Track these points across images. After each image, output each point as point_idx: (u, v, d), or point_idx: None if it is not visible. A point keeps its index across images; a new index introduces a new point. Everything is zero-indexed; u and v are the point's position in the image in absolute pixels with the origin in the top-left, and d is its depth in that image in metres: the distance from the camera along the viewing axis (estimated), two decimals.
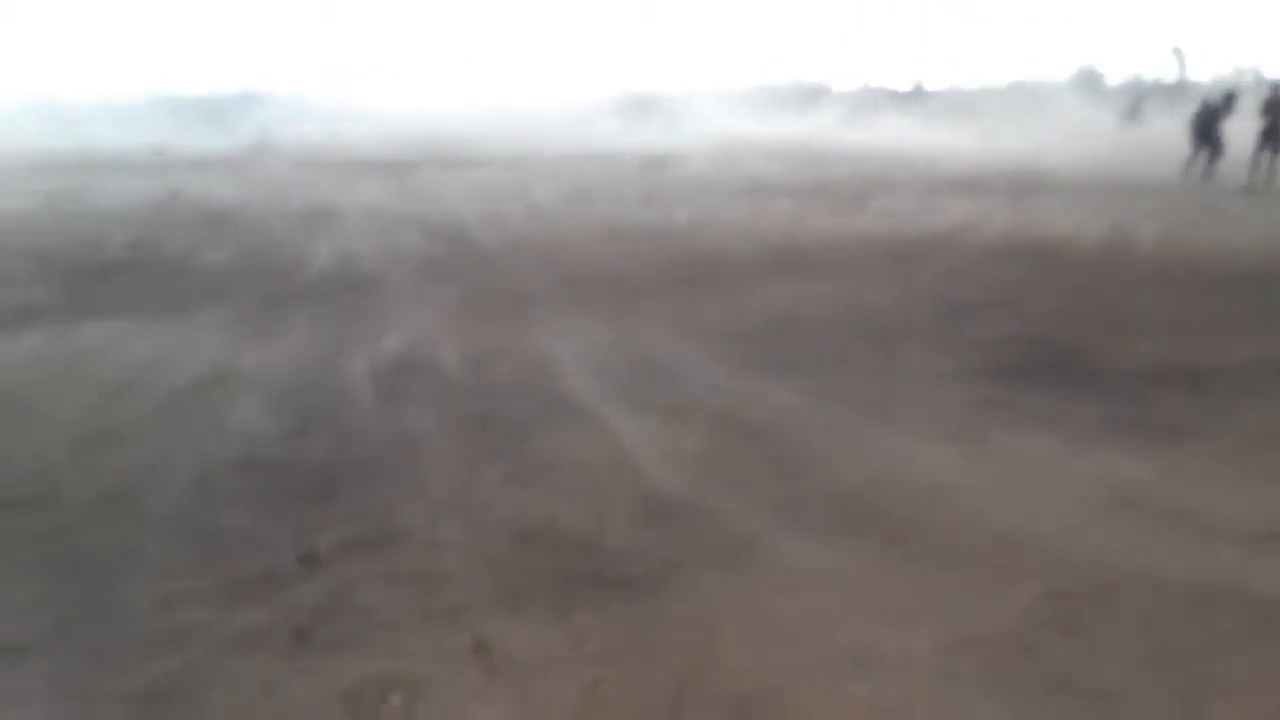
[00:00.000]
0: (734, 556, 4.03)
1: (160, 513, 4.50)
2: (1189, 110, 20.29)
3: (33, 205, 16.41)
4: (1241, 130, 18.37)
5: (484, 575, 3.90)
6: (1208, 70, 61.06)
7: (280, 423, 5.68)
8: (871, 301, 8.63)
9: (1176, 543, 4.08)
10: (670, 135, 37.04)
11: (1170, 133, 25.65)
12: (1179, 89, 50.44)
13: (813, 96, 55.82)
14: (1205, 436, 5.29)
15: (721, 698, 3.10)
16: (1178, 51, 69.24)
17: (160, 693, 3.17)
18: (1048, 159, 23.59)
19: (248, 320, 8.22)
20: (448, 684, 3.19)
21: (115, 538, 4.26)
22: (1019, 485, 4.69)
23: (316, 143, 33.98)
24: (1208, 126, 18.61)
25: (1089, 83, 58.42)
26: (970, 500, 4.52)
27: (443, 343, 7.37)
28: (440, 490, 4.70)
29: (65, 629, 3.55)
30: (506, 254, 11.39)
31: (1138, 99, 40.73)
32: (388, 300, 8.99)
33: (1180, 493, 4.57)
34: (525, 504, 4.54)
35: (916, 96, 55.65)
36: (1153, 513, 4.37)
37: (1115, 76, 61.74)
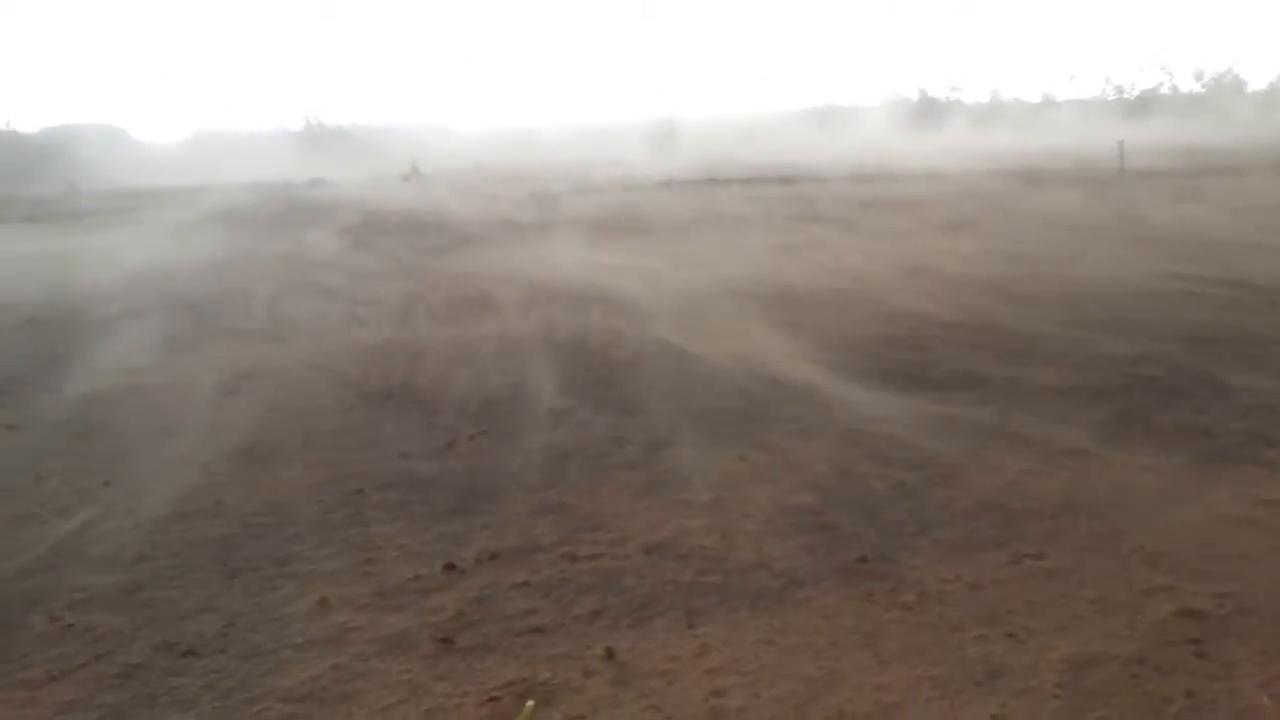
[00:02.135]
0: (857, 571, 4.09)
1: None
2: None
3: None
4: None
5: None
6: None
7: None
8: None
9: None
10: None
11: None
12: None
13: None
14: None
15: (844, 713, 3.16)
16: None
17: (313, 693, 3.42)
18: None
19: None
20: (579, 690, 3.35)
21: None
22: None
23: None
24: None
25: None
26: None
27: None
28: None
29: (227, 632, 3.86)
30: None
31: None
32: None
33: None
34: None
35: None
36: None
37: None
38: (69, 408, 7.16)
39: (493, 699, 3.31)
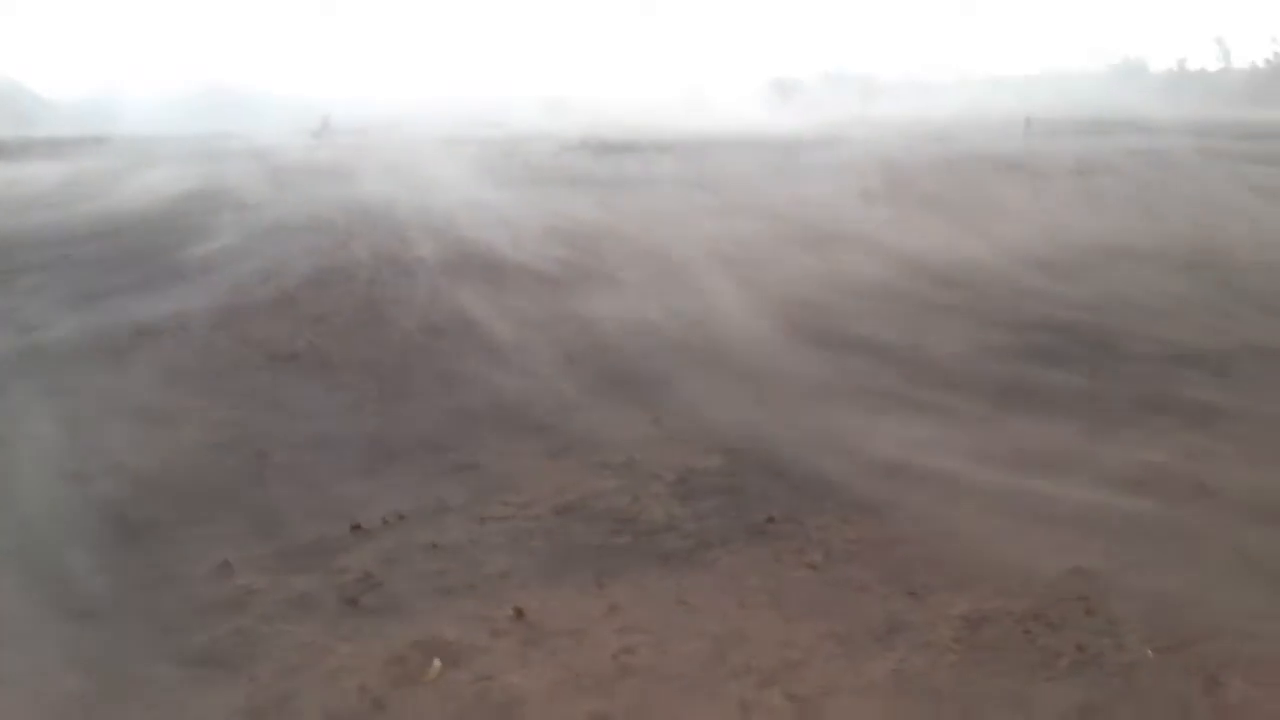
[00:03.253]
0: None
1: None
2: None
3: None
4: None
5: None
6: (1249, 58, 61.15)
7: None
8: None
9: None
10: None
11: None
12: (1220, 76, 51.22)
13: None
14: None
15: (749, 669, 3.22)
16: (1219, 40, 68.79)
17: (214, 656, 3.35)
18: None
19: None
20: (487, 650, 3.34)
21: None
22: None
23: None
24: None
25: (1133, 72, 58.28)
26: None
27: None
28: None
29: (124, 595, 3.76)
30: None
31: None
32: None
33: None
34: None
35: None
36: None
37: (1158, 65, 61.87)
38: None
39: (399, 660, 3.29)
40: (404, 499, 4.52)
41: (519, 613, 3.54)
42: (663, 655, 3.29)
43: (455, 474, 4.82)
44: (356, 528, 4.24)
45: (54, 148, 26.29)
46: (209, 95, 49.38)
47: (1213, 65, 60.30)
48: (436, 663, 3.25)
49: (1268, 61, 56.82)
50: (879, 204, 13.41)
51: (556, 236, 11.21)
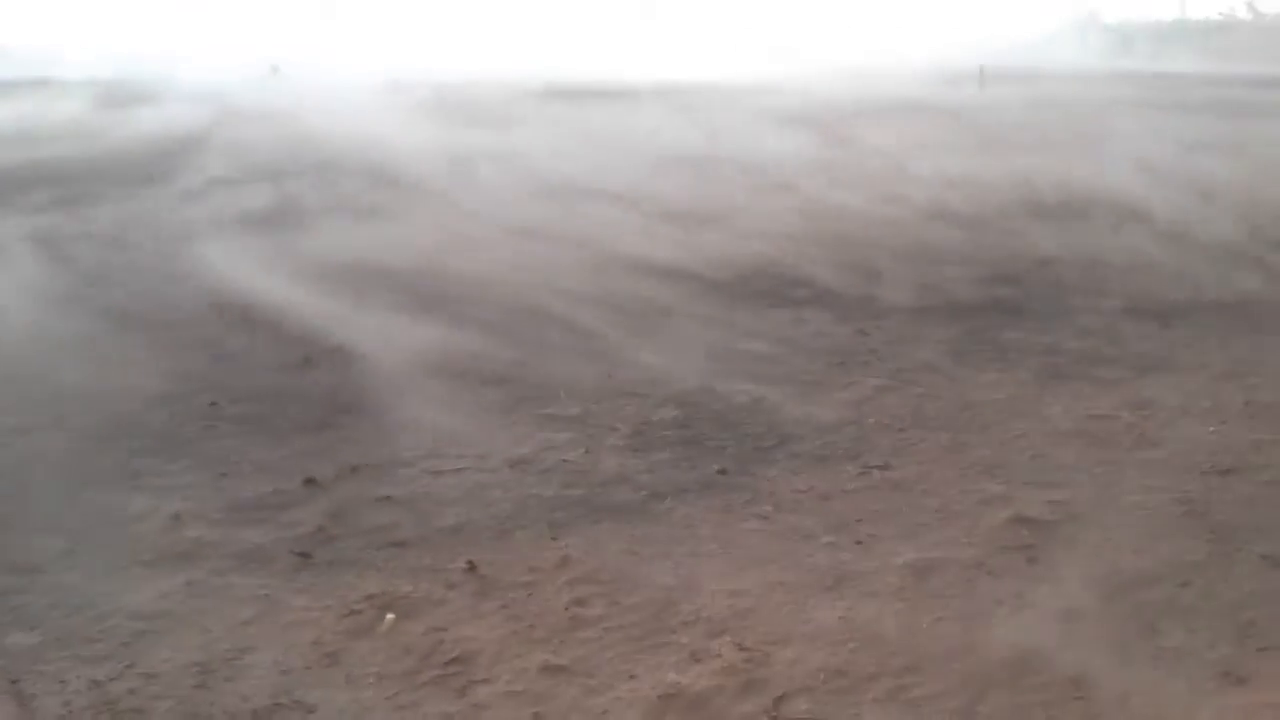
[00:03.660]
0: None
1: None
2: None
3: None
4: None
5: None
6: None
7: None
8: None
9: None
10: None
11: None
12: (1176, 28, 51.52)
13: None
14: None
15: (699, 618, 3.27)
16: None
17: (166, 610, 3.35)
18: None
19: None
20: (441, 603, 3.37)
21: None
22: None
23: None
24: None
25: (1086, 26, 58.52)
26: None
27: None
28: None
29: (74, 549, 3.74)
30: None
31: None
32: None
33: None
34: None
35: None
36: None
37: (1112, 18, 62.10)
38: None
39: (353, 612, 3.31)
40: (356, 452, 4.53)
41: (471, 566, 3.56)
42: (613, 606, 3.34)
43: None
44: (310, 481, 4.23)
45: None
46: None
47: (1167, 17, 60.63)
48: (390, 616, 3.28)
49: (1221, 14, 57.27)
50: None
51: None
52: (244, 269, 7.53)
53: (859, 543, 3.71)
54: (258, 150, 14.31)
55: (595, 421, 4.87)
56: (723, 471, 4.32)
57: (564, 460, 4.46)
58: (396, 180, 11.59)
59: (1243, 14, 56.25)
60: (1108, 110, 18.74)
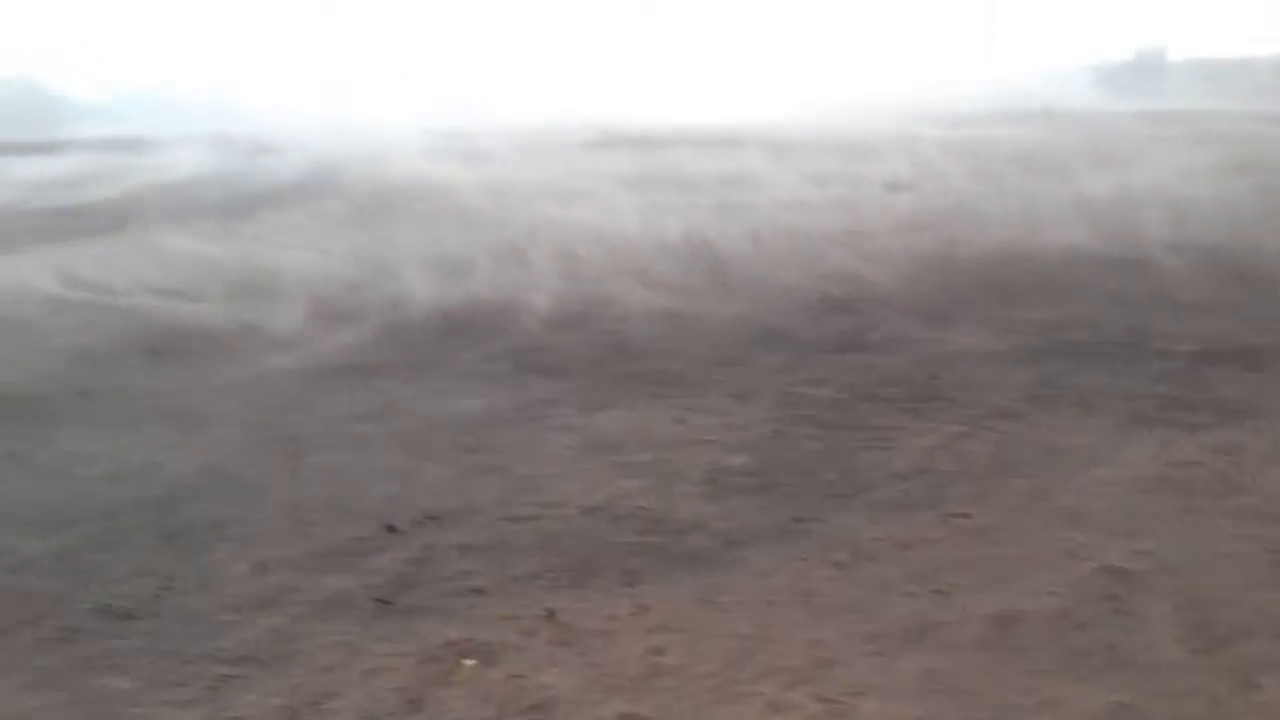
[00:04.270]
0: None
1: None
2: None
3: None
4: None
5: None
6: None
7: None
8: None
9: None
10: None
11: None
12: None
13: None
14: None
15: (778, 668, 3.24)
16: None
17: (251, 655, 3.41)
18: None
19: None
20: (520, 650, 3.39)
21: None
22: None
23: None
24: None
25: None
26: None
27: None
28: None
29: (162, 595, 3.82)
30: None
31: None
32: None
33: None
34: None
35: None
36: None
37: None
38: None
39: (434, 659, 3.34)
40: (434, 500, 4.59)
41: (550, 613, 3.58)
42: (691, 655, 3.33)
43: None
44: (390, 529, 4.30)
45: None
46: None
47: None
48: (470, 662, 3.30)
49: None
50: None
51: None
52: None
53: (940, 592, 3.66)
54: None
55: (666, 468, 4.87)
56: (798, 520, 4.30)
57: (639, 507, 4.47)
58: None
59: None
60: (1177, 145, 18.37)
